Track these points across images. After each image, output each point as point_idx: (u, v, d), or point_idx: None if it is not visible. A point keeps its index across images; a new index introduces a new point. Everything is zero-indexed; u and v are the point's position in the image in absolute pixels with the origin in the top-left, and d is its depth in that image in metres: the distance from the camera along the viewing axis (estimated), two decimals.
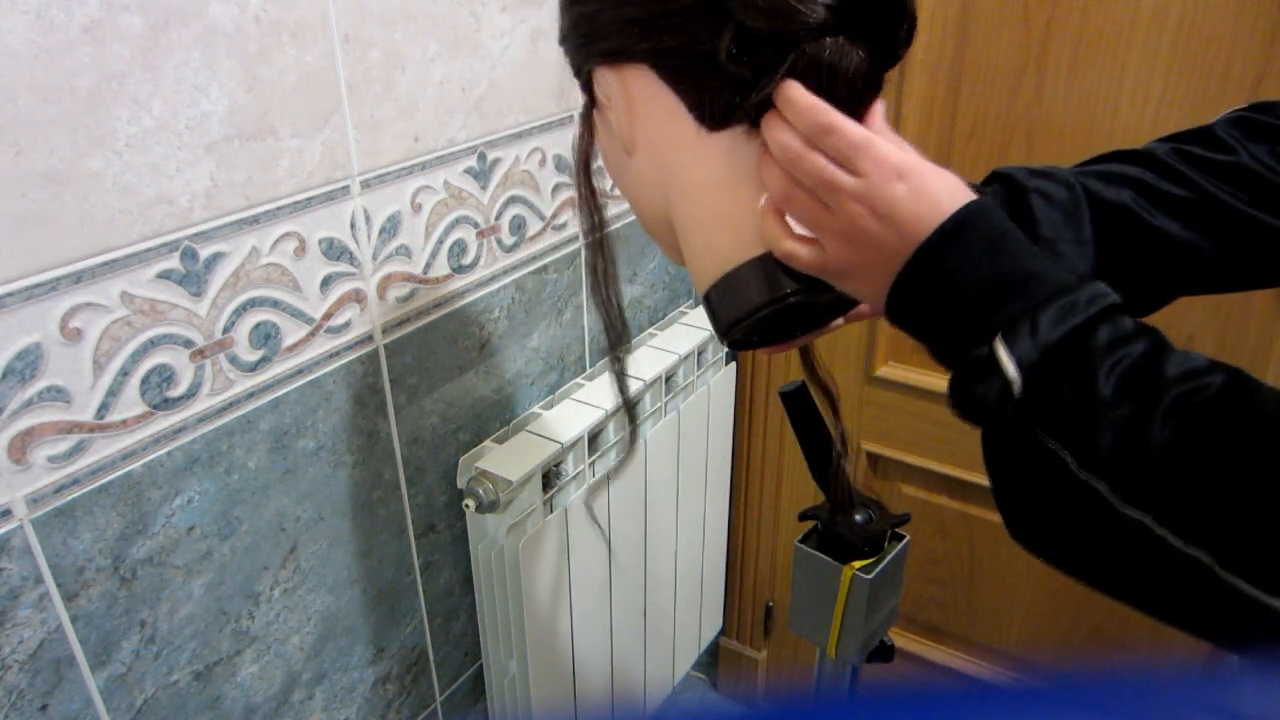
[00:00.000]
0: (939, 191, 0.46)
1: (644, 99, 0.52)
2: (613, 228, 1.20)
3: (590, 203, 0.60)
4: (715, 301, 0.52)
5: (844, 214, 0.46)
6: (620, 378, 0.65)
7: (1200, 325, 1.12)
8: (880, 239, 0.45)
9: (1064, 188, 0.56)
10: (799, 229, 0.49)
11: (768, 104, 0.47)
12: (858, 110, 0.48)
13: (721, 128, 0.50)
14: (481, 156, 0.98)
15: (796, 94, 0.46)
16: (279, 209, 0.79)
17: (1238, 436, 0.38)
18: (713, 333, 1.30)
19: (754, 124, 0.49)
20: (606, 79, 0.53)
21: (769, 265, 0.50)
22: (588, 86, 0.56)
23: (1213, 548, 0.37)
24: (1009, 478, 0.45)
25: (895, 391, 1.36)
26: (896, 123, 1.21)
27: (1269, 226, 0.54)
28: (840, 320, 0.59)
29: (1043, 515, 0.45)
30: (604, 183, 0.62)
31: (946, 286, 0.44)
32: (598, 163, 0.61)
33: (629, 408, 0.67)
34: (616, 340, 0.63)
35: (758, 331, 0.55)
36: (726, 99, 0.48)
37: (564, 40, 0.56)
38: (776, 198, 0.49)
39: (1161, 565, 0.39)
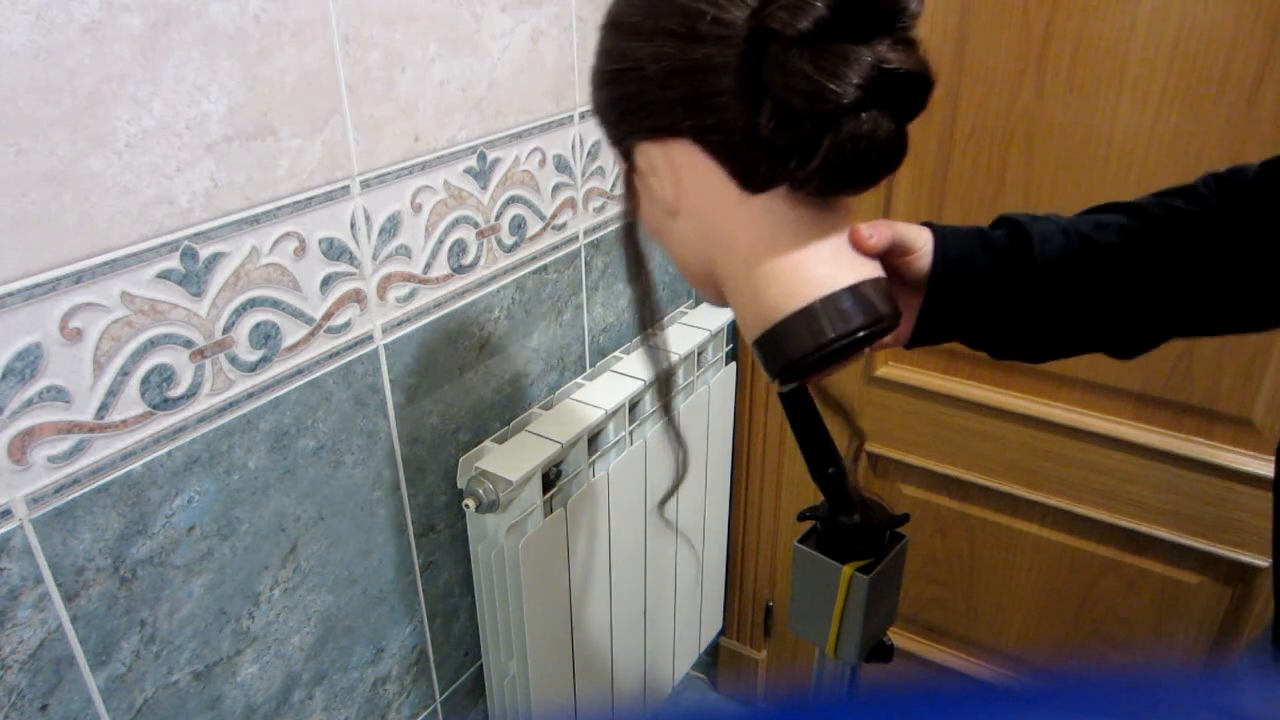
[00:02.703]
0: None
1: (688, 169, 0.56)
2: (612, 228, 1.20)
3: (639, 267, 0.64)
4: (767, 348, 0.58)
5: None
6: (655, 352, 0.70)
7: None
8: None
9: (1060, 233, 0.61)
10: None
11: (809, 173, 0.52)
12: (888, 170, 0.53)
13: (763, 191, 0.55)
14: (481, 156, 0.98)
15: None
16: (279, 209, 0.79)
17: None
18: (713, 333, 1.31)
19: (792, 185, 0.54)
20: (650, 151, 0.57)
21: (815, 315, 0.55)
22: (628, 156, 0.60)
23: None
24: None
25: (895, 391, 1.36)
26: None
27: (1246, 273, 0.57)
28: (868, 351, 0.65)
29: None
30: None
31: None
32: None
33: (663, 381, 0.71)
34: (662, 373, 0.69)
35: (804, 370, 0.60)
36: (768, 167, 0.53)
37: (600, 114, 0.60)
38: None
39: None
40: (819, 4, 0.47)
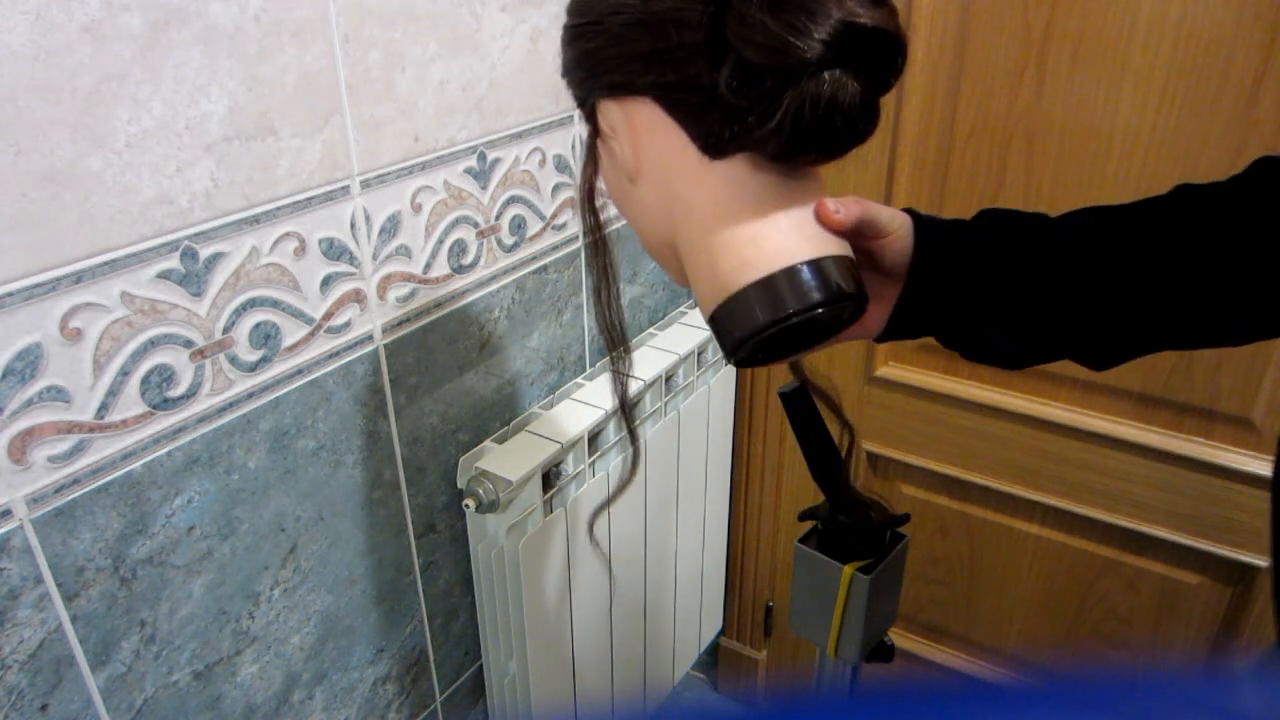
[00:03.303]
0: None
1: (648, 130, 0.54)
2: (613, 228, 1.20)
3: (596, 232, 0.62)
4: (721, 323, 0.55)
5: None
6: (626, 411, 0.68)
7: None
8: None
9: (1045, 228, 0.60)
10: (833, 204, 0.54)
11: (767, 134, 0.49)
12: (857, 140, 0.51)
13: (723, 156, 0.52)
14: (481, 156, 0.98)
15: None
16: (279, 209, 0.79)
17: None
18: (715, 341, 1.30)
19: (754, 152, 0.51)
20: (610, 110, 0.55)
21: (771, 287, 0.52)
22: (592, 117, 0.58)
23: None
24: None
25: (895, 391, 1.36)
26: (896, 124, 1.21)
27: (1223, 284, 0.55)
28: (834, 340, 0.61)
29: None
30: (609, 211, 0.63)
31: None
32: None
33: (628, 419, 0.69)
34: (620, 364, 0.66)
35: (762, 350, 0.57)
36: (728, 129, 0.50)
37: (567, 73, 0.57)
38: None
39: None
40: None
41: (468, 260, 1.00)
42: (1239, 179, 0.58)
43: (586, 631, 1.21)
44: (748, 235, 0.53)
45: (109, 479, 0.72)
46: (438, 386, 1.01)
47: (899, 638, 1.55)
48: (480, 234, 1.01)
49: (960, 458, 1.35)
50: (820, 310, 0.52)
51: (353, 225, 0.86)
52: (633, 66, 0.52)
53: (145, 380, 0.72)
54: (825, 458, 0.78)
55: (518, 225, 1.06)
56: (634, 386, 1.17)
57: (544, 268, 1.11)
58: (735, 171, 0.52)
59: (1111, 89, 1.07)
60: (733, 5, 0.47)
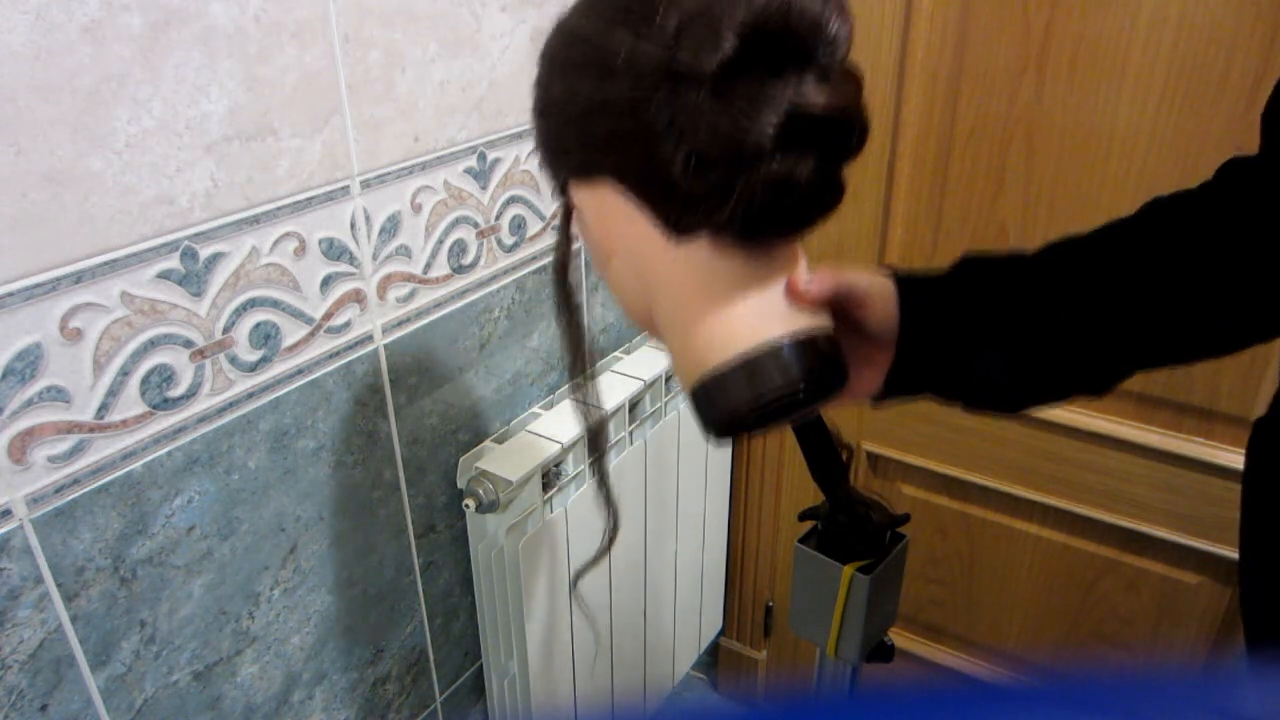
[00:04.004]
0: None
1: (614, 210, 0.53)
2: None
3: (568, 309, 0.62)
4: (697, 403, 0.54)
5: None
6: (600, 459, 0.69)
7: None
8: None
9: (1028, 263, 0.58)
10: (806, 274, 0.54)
11: (724, 219, 0.48)
12: (821, 214, 0.50)
13: (687, 238, 0.51)
14: (481, 156, 0.98)
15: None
16: (279, 209, 0.79)
17: None
18: None
19: (711, 232, 0.51)
20: (579, 191, 0.55)
21: (744, 370, 0.51)
22: (564, 193, 0.57)
23: None
24: None
25: None
26: (896, 124, 1.21)
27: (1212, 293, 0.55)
28: (824, 406, 0.60)
29: None
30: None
31: None
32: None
33: (596, 451, 0.69)
34: (598, 432, 0.67)
35: (743, 427, 0.56)
36: (689, 213, 0.50)
37: (537, 150, 0.57)
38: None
39: None
40: (726, 38, 0.44)
41: (468, 260, 1.00)
42: (1208, 185, 0.57)
43: (586, 631, 1.21)
44: (719, 315, 0.52)
45: (109, 479, 0.72)
46: (438, 386, 1.01)
47: (899, 638, 1.55)
48: (480, 234, 1.01)
49: (960, 458, 1.35)
50: (795, 390, 0.51)
51: (353, 225, 0.86)
52: (594, 150, 0.51)
53: (145, 380, 0.72)
54: (825, 458, 0.78)
55: (518, 225, 1.06)
56: (634, 387, 1.17)
57: (544, 268, 1.11)
58: (702, 251, 0.52)
59: (1111, 89, 1.07)
60: (681, 92, 0.46)
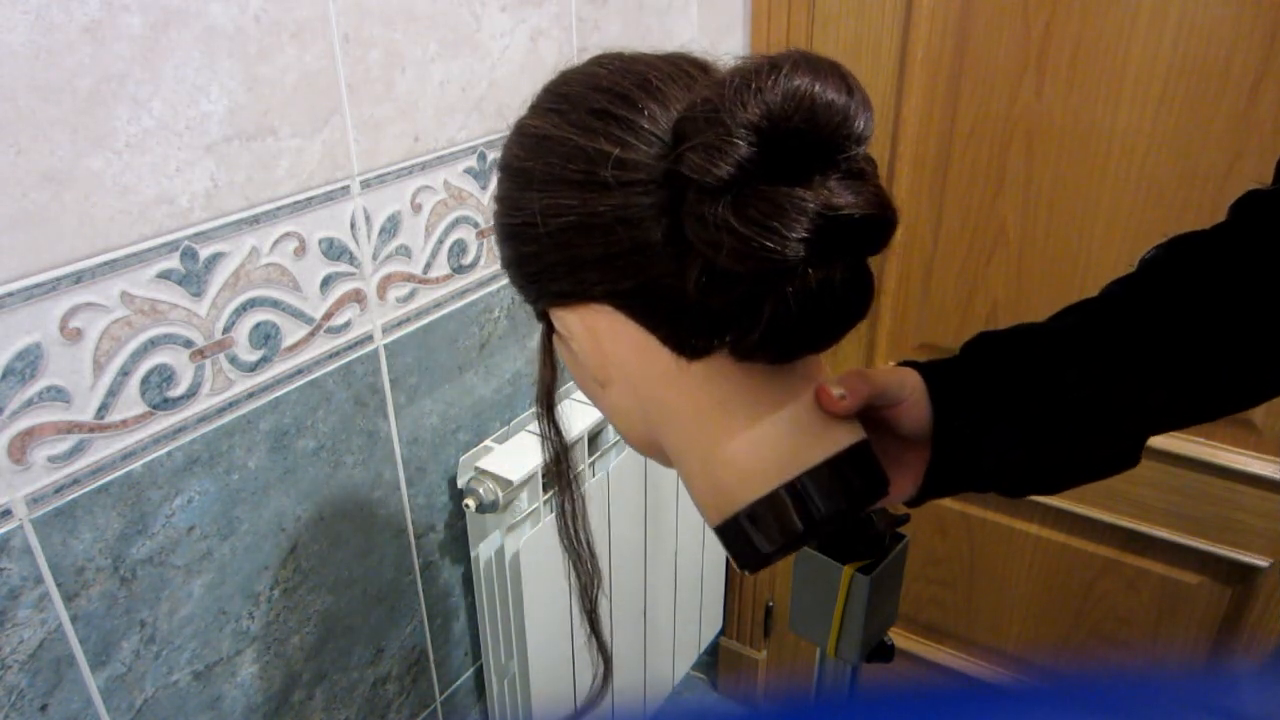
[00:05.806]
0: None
1: (610, 336, 0.47)
2: None
3: (558, 443, 0.56)
4: (729, 541, 0.49)
5: None
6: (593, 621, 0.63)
7: None
8: None
9: (1048, 336, 0.55)
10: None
11: (752, 343, 0.43)
12: (855, 322, 0.45)
13: (701, 358, 0.46)
14: (481, 156, 0.98)
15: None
16: (279, 209, 0.79)
17: None
18: None
19: (735, 356, 0.45)
20: (564, 317, 0.48)
21: (779, 506, 0.46)
22: (544, 315, 0.51)
23: None
24: None
25: None
26: (896, 124, 1.21)
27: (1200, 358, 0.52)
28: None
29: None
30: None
31: None
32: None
33: (602, 649, 0.66)
34: (589, 582, 0.60)
35: (780, 558, 0.52)
36: (705, 334, 0.44)
37: (506, 270, 0.50)
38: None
39: None
40: (740, 141, 0.38)
41: (468, 260, 1.00)
42: (1228, 225, 0.54)
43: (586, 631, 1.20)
44: (745, 440, 0.46)
45: (109, 479, 0.72)
46: (438, 386, 1.01)
47: (899, 638, 1.55)
48: (480, 234, 1.01)
49: None
50: (837, 516, 0.47)
51: (353, 225, 0.86)
52: (582, 274, 0.45)
53: (145, 380, 0.72)
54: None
55: None
56: None
57: None
58: (717, 369, 0.46)
59: (1111, 89, 1.07)
60: (688, 202, 0.40)
